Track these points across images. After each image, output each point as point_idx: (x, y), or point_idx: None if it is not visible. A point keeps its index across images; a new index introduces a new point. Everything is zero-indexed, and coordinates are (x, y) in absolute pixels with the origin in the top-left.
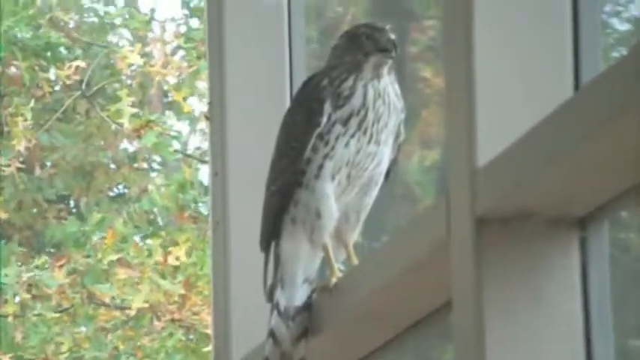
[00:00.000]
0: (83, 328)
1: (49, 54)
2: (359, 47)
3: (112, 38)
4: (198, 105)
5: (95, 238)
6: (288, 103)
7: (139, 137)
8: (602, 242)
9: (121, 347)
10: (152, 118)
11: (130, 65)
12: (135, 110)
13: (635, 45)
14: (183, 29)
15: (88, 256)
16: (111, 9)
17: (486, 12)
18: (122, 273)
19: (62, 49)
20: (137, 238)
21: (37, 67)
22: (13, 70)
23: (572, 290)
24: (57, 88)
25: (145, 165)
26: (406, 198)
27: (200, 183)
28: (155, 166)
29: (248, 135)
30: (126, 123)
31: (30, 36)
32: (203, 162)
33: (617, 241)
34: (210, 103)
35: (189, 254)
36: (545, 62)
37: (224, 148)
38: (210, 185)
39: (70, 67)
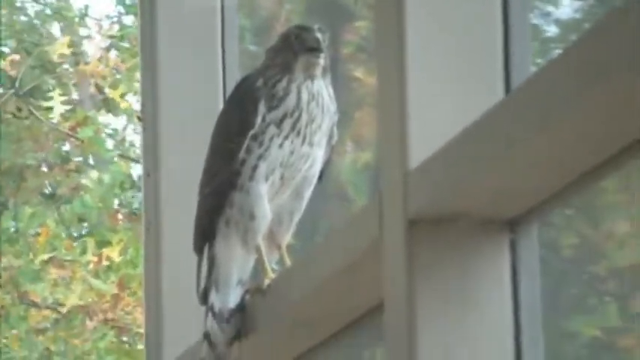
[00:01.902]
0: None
1: None
2: (289, 47)
3: (43, 32)
4: (135, 104)
5: (28, 237)
6: (221, 104)
7: (73, 136)
8: (532, 244)
9: (53, 348)
10: (89, 114)
11: (62, 57)
12: (68, 107)
13: (564, 49)
14: (117, 27)
15: (19, 256)
16: (42, 8)
17: (418, 14)
18: (54, 273)
19: None
20: (70, 238)
21: None
22: None
23: (503, 291)
24: None
25: (78, 164)
26: (339, 199)
27: (136, 182)
28: (90, 163)
29: (181, 136)
30: (59, 119)
31: None
32: (137, 162)
33: (547, 242)
34: (142, 104)
35: (122, 254)
36: (477, 65)
37: (156, 148)
38: (142, 186)
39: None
